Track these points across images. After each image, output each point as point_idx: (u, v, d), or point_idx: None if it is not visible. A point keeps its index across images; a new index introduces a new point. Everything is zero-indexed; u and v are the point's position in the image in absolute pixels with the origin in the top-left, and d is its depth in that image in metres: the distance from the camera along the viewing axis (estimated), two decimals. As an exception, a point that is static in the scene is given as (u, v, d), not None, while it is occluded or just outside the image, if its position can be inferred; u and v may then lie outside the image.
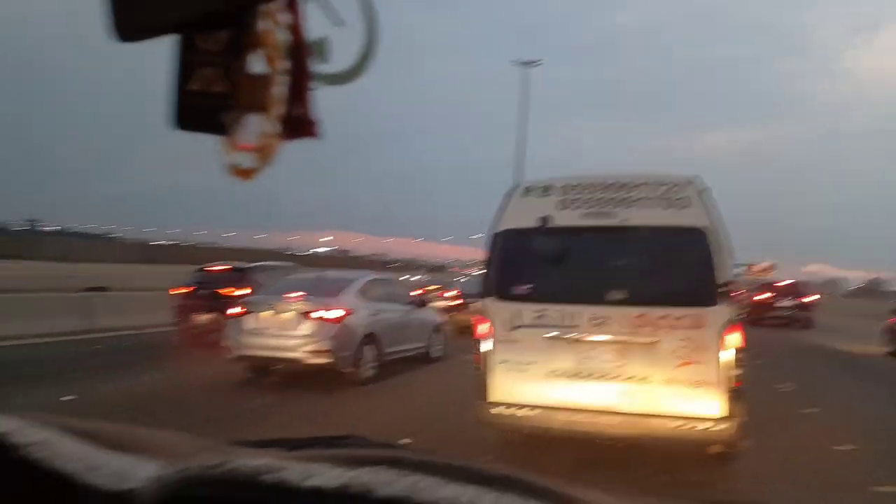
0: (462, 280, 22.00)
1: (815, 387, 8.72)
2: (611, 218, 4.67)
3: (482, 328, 4.85)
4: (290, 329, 7.91)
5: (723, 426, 4.25)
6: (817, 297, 21.91)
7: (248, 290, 10.35)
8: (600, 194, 4.74)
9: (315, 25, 0.55)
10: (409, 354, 9.50)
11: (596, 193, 4.76)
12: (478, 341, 4.85)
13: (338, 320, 7.96)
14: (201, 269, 12.24)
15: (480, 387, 4.80)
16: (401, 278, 11.27)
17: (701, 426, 4.27)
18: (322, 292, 8.44)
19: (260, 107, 0.49)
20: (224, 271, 11.91)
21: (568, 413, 4.55)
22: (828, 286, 65.46)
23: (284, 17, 0.51)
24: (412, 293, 10.75)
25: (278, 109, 0.50)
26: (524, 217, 4.87)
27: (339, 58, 0.58)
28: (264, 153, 0.51)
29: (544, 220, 4.78)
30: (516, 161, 34.36)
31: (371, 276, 9.75)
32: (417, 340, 9.81)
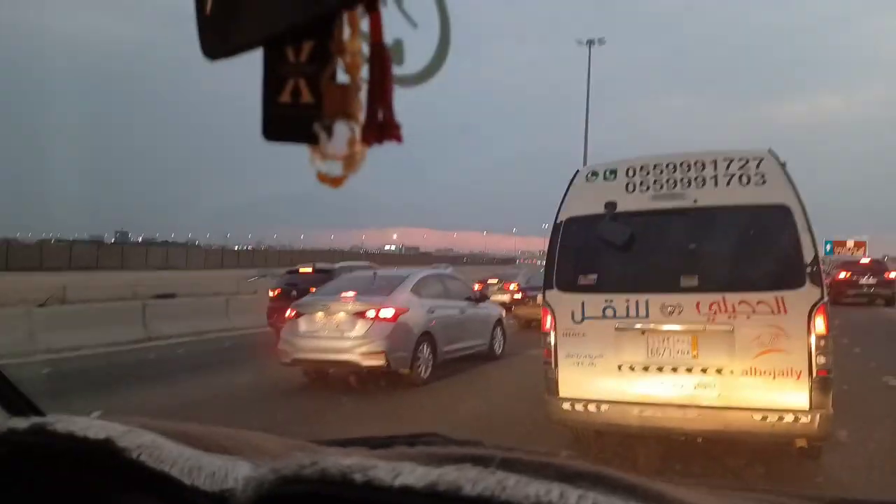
0: (525, 272, 21.89)
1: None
2: (682, 199, 4.52)
3: (547, 321, 4.82)
4: (344, 330, 7.94)
5: (809, 418, 4.08)
6: None
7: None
8: (669, 175, 4.59)
9: (389, 28, 0.57)
10: (469, 352, 9.50)
11: (664, 174, 4.61)
12: (545, 335, 4.82)
13: (391, 319, 7.96)
14: (292, 271, 12.90)
15: (549, 382, 4.77)
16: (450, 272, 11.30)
17: (786, 419, 4.11)
18: (375, 291, 8.51)
19: (346, 114, 0.52)
20: (311, 273, 12.48)
21: (641, 408, 4.45)
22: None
23: (364, 23, 0.53)
24: (471, 288, 10.73)
25: (363, 116, 0.52)
26: (588, 203, 4.78)
27: (412, 59, 0.59)
28: (351, 160, 0.53)
29: (610, 205, 4.67)
30: (584, 146, 34.07)
31: (425, 272, 9.78)
32: (478, 337, 9.80)
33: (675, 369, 4.40)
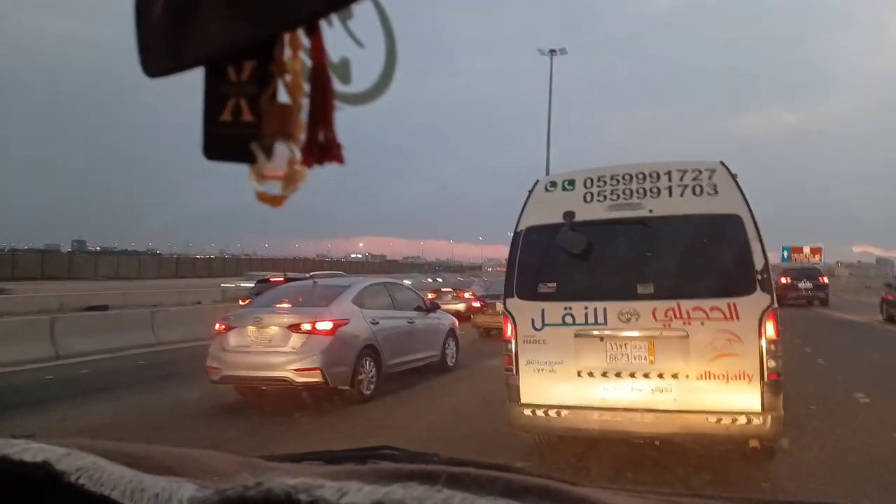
0: (483, 280, 22.21)
1: (823, 343, 13.32)
2: (638, 209, 4.86)
3: (508, 329, 5.10)
4: (277, 345, 7.65)
5: (761, 420, 4.41)
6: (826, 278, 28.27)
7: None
8: (625, 185, 4.97)
9: (335, 48, 0.61)
10: (419, 364, 9.48)
11: (621, 185, 4.96)
12: (506, 342, 5.09)
13: (329, 332, 7.70)
14: (262, 280, 12.87)
15: (511, 389, 5.04)
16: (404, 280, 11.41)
17: (739, 421, 4.42)
18: (314, 302, 8.32)
19: (286, 134, 0.55)
20: (282, 282, 12.53)
21: (600, 412, 4.73)
22: (882, 266, 66.73)
23: (306, 43, 0.56)
24: (422, 297, 10.71)
25: (304, 136, 0.56)
26: (547, 213, 5.10)
27: (359, 78, 0.64)
28: (292, 180, 0.57)
29: (568, 214, 4.99)
30: (546, 155, 35.39)
31: (368, 281, 9.62)
32: (429, 349, 9.80)
33: (633, 374, 4.69)
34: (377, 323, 8.51)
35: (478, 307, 15.55)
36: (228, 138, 0.56)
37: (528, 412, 4.93)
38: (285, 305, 8.26)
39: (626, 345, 4.72)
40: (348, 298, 8.43)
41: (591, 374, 4.77)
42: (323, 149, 0.56)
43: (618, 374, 4.71)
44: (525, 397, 4.96)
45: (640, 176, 4.89)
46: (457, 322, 11.12)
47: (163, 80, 0.55)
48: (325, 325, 7.73)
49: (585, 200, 4.99)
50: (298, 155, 0.56)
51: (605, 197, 4.96)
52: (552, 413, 4.85)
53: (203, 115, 0.56)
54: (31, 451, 0.70)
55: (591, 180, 5.03)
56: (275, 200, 0.58)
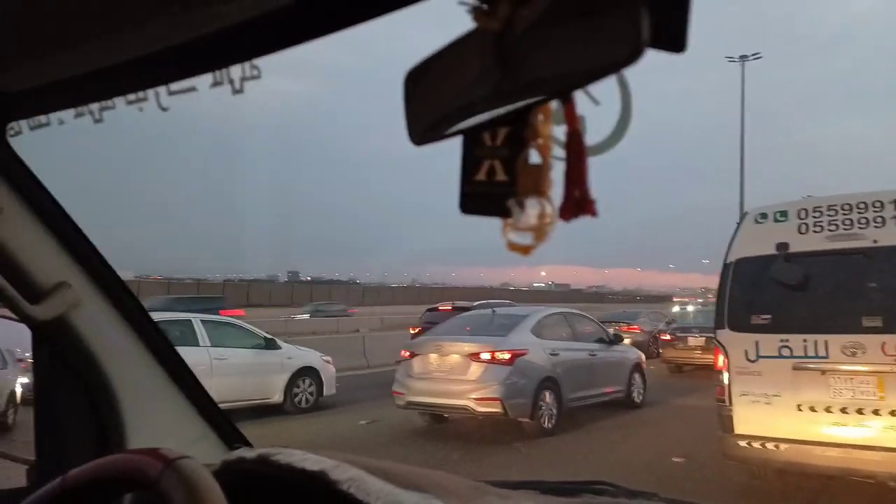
0: (656, 312, 21.24)
1: None
2: (860, 239, 4.88)
3: (720, 360, 5.26)
4: (458, 373, 7.90)
5: None
6: None
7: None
8: (845, 215, 4.99)
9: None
10: (603, 400, 9.26)
11: (839, 214, 4.99)
12: (718, 373, 5.26)
13: (508, 362, 7.82)
14: (431, 309, 13.68)
15: (724, 419, 5.16)
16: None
17: None
18: (492, 331, 8.48)
19: (538, 192, 0.63)
20: (450, 311, 13.21)
21: (823, 448, 4.70)
22: None
23: (558, 108, 0.64)
24: (604, 328, 10.50)
25: (555, 193, 0.63)
26: (758, 244, 5.23)
27: (593, 130, 0.71)
28: (541, 232, 0.65)
29: (782, 245, 5.08)
30: (741, 174, 32.94)
31: (547, 311, 9.62)
32: (613, 383, 9.54)
33: (860, 411, 4.62)
34: (557, 354, 8.47)
35: (667, 340, 14.85)
36: (483, 196, 0.65)
37: (743, 443, 5.01)
38: (463, 335, 8.52)
39: (851, 379, 4.64)
40: (527, 328, 8.50)
41: (812, 409, 4.75)
42: (579, 204, 0.64)
43: (843, 410, 4.65)
44: (739, 428, 5.03)
45: (862, 205, 4.90)
46: (643, 356, 10.75)
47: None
48: (503, 355, 7.86)
49: (800, 231, 5.06)
50: (548, 209, 0.64)
51: (821, 227, 4.99)
52: (770, 446, 4.88)
53: (461, 175, 0.66)
54: (309, 460, 0.86)
55: (806, 211, 5.10)
56: (525, 250, 0.66)
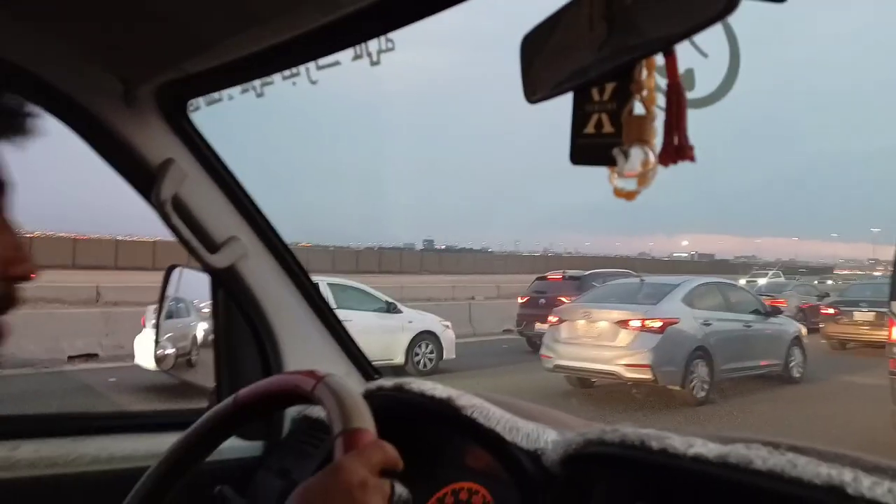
0: (807, 285, 19.60)
1: None
2: None
3: (895, 333, 5.35)
4: (606, 340, 8.07)
5: None
6: None
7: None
8: None
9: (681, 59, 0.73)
10: (757, 373, 8.96)
11: None
12: (893, 345, 5.30)
13: (659, 331, 7.87)
14: (540, 279, 13.57)
15: None
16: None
17: None
18: (642, 300, 8.51)
19: (642, 141, 0.69)
20: (559, 280, 13.02)
21: None
22: None
23: (660, 62, 0.69)
24: (759, 299, 10.00)
25: (657, 141, 0.69)
26: None
27: (704, 83, 0.74)
28: (644, 178, 0.70)
29: None
30: None
31: (699, 280, 9.46)
32: (769, 356, 9.16)
33: None
34: (709, 324, 8.36)
35: (829, 314, 13.68)
36: (592, 147, 0.72)
37: None
38: (611, 302, 8.56)
39: None
40: (678, 297, 8.45)
41: None
42: (678, 150, 0.69)
43: None
44: None
45: None
46: (804, 330, 10.10)
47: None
48: (654, 323, 7.91)
49: None
50: (653, 157, 0.69)
51: None
52: None
53: (571, 129, 0.73)
54: (438, 389, 0.98)
55: None
56: (630, 195, 0.72)
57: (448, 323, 10.84)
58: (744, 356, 8.68)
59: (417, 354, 10.26)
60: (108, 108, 1.10)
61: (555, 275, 13.55)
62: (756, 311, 9.29)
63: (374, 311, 10.09)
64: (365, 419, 0.67)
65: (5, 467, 1.05)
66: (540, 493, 0.85)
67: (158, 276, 1.49)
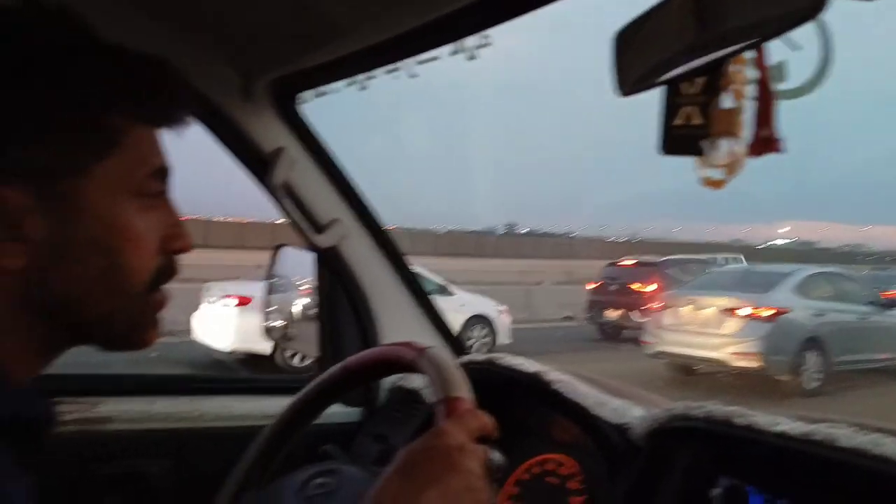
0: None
1: None
2: None
3: None
4: (713, 327, 8.06)
5: None
6: None
7: (656, 286, 10.85)
8: None
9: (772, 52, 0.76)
10: (877, 366, 8.56)
11: None
12: None
13: (770, 319, 7.81)
14: (612, 264, 13.31)
15: None
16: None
17: None
18: (750, 288, 8.39)
19: (730, 133, 0.73)
20: (632, 266, 12.75)
21: None
22: None
23: (750, 56, 0.73)
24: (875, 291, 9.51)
25: (746, 133, 0.73)
26: None
27: (796, 74, 0.77)
28: (732, 167, 0.74)
29: None
30: None
31: (812, 269, 9.28)
32: (889, 349, 8.72)
33: None
34: (822, 315, 8.17)
35: None
36: (681, 138, 0.76)
37: None
38: (720, 290, 8.49)
39: None
40: (788, 286, 8.35)
41: None
42: (766, 142, 0.72)
43: None
44: None
45: None
46: None
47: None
48: (765, 312, 7.86)
49: None
50: (741, 148, 0.73)
51: None
52: None
53: (661, 121, 0.77)
54: (527, 364, 1.06)
55: None
56: (717, 184, 0.76)
57: (504, 307, 10.64)
58: (860, 348, 8.33)
59: (471, 338, 10.07)
60: (228, 101, 1.22)
61: (628, 260, 13.22)
62: (872, 303, 8.84)
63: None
64: (464, 388, 0.72)
65: (144, 419, 1.21)
66: (625, 464, 0.91)
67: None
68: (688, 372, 8.73)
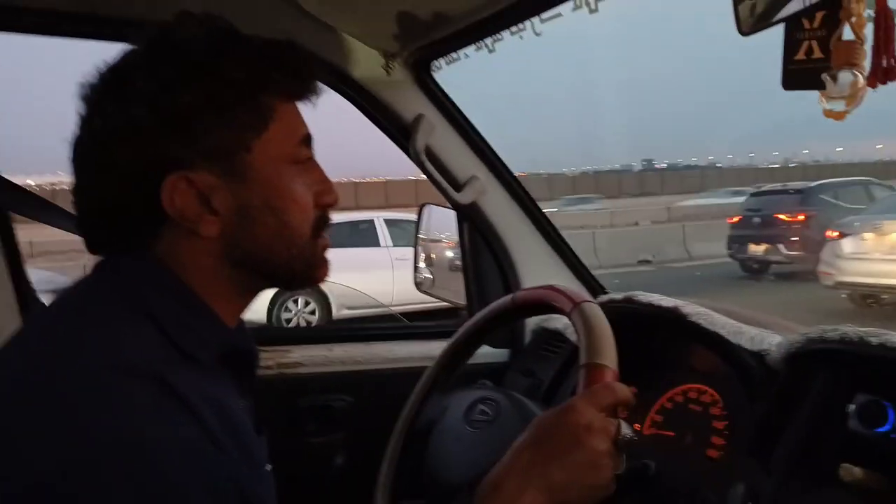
0: None
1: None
2: None
3: None
4: None
5: None
6: None
7: (805, 215, 10.09)
8: None
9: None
10: None
11: None
12: None
13: None
14: (756, 195, 12.32)
15: None
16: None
17: None
18: None
19: (851, 64, 0.77)
20: (779, 193, 11.75)
21: None
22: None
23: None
24: None
25: (866, 64, 0.77)
26: None
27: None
28: (853, 98, 0.79)
29: None
30: None
31: None
32: None
33: None
34: None
35: None
36: (803, 72, 0.81)
37: None
38: None
39: None
40: None
41: None
42: (886, 72, 0.75)
43: None
44: None
45: None
46: None
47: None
48: None
49: None
50: (861, 79, 0.76)
51: None
52: None
53: (783, 56, 0.82)
54: (664, 300, 1.14)
55: None
56: (839, 116, 0.79)
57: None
58: None
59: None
60: (371, 77, 1.38)
61: (773, 188, 12.17)
62: None
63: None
64: (608, 356, 0.74)
65: (325, 363, 1.44)
66: (764, 389, 0.98)
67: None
68: (871, 302, 8.22)
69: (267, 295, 9.75)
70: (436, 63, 1.41)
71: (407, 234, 9.77)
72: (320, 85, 0.76)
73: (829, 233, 8.51)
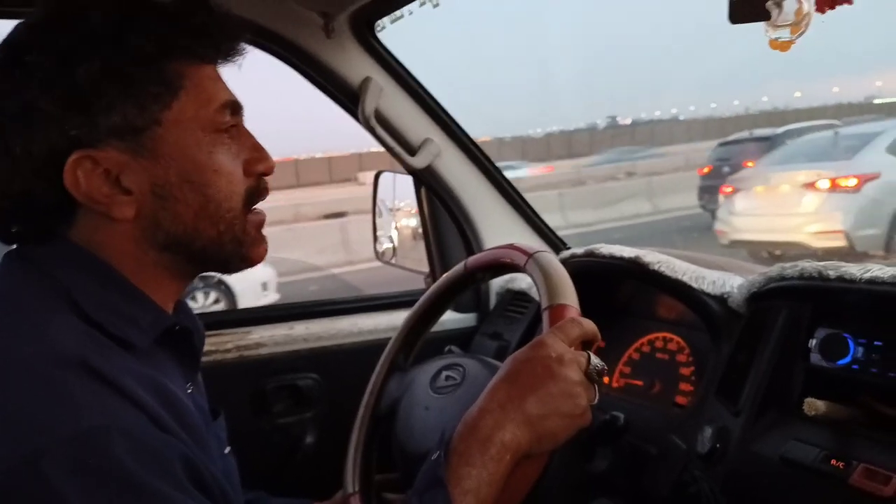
0: None
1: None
2: None
3: None
4: (789, 207, 7.28)
5: None
6: None
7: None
8: None
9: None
10: None
11: None
12: None
13: (854, 188, 6.95)
14: (722, 144, 12.36)
15: None
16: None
17: None
18: (834, 156, 7.60)
19: (797, -9, 0.76)
20: (747, 142, 11.78)
21: None
22: None
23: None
24: None
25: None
26: None
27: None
28: (797, 26, 0.78)
29: None
30: None
31: None
32: None
33: None
34: None
35: None
36: (748, 3, 0.80)
37: None
38: (798, 162, 7.80)
39: None
40: (880, 147, 7.37)
41: None
42: (832, -4, 0.74)
43: None
44: None
45: None
46: None
47: None
48: (847, 182, 7.01)
49: None
50: (805, 5, 0.75)
51: None
52: None
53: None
54: (625, 251, 1.14)
55: None
56: (784, 46, 0.79)
57: None
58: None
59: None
60: (312, 41, 1.33)
61: (741, 136, 12.17)
62: None
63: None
64: (568, 295, 0.77)
65: (287, 342, 1.42)
66: (728, 331, 0.99)
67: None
68: (775, 259, 8.17)
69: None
70: (379, 23, 1.38)
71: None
72: (243, 45, 0.72)
73: (723, 188, 8.37)
